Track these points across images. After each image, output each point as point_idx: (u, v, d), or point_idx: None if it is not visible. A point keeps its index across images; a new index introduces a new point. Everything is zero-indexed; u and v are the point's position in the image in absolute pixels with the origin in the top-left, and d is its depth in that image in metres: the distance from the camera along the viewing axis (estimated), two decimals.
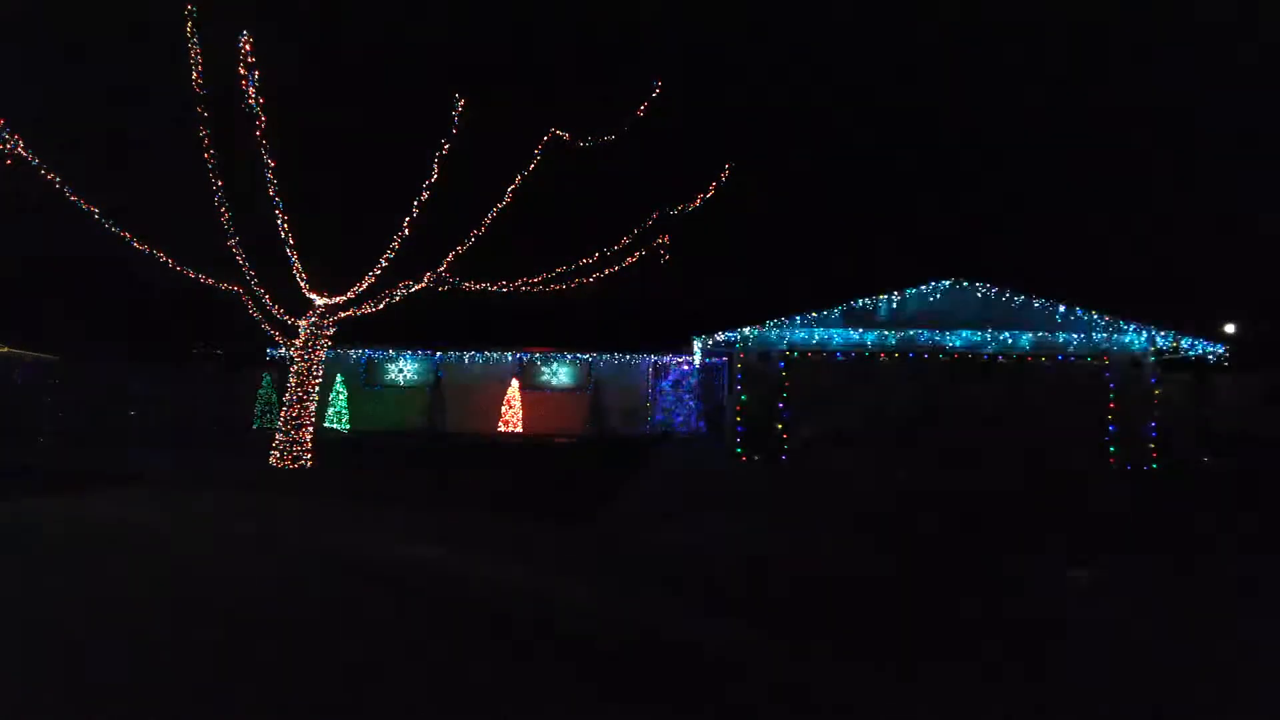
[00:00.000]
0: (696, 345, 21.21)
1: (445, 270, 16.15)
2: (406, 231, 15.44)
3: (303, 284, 15.84)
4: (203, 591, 7.01)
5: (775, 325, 19.43)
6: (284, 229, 15.08)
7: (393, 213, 15.53)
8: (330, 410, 25.44)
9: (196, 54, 14.00)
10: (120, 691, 4.76)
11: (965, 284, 19.37)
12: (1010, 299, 19.22)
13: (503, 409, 26.20)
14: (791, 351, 19.60)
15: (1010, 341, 19.13)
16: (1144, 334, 19.10)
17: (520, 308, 17.87)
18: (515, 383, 26.54)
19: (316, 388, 16.26)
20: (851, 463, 18.41)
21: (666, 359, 27.31)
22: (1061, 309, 19.15)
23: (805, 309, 19.49)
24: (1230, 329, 33.96)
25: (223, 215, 14.86)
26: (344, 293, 16.16)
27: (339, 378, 25.86)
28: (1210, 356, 20.13)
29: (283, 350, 16.71)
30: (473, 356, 27.07)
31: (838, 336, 19.46)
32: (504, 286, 16.84)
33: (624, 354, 26.96)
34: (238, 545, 8.95)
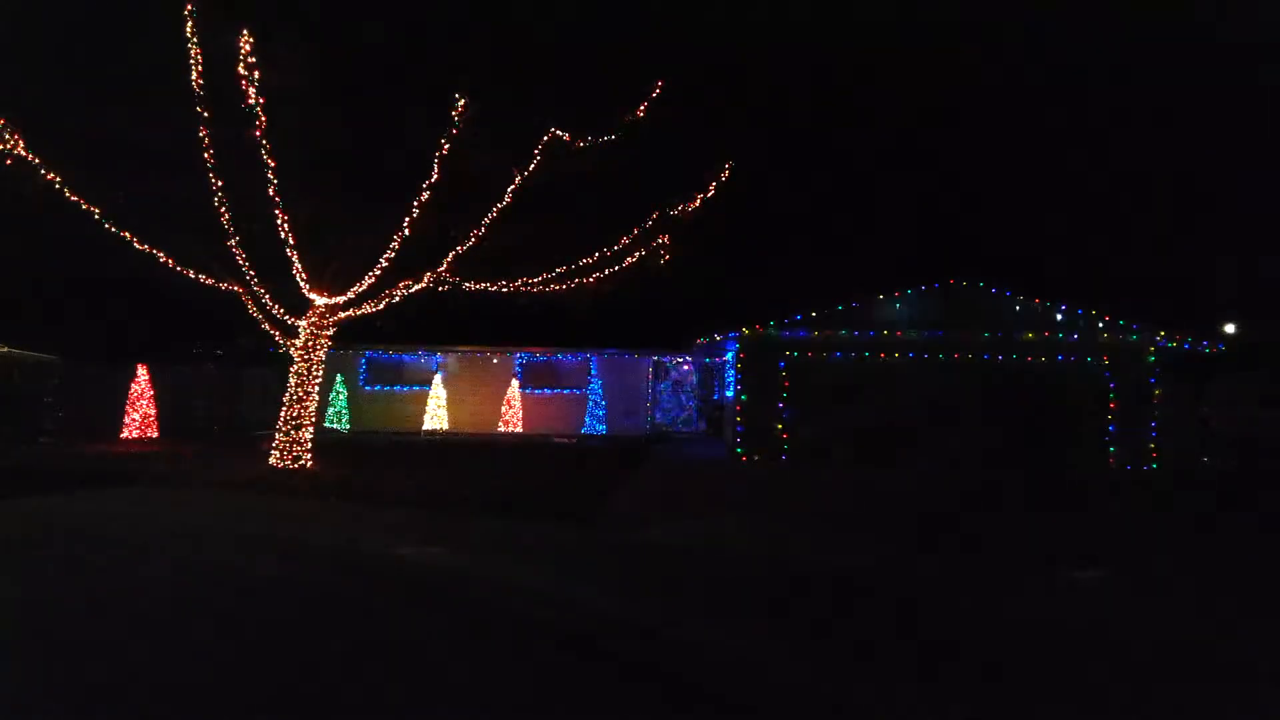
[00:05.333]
0: (696, 345, 21.20)
1: (445, 270, 16.14)
2: (407, 231, 15.42)
3: (303, 284, 15.83)
4: (202, 590, 7.01)
5: (775, 325, 19.43)
6: (284, 229, 15.07)
7: (393, 212, 15.51)
8: (330, 410, 25.43)
9: (197, 54, 13.99)
10: (118, 691, 4.76)
11: (965, 284, 19.37)
12: (1010, 299, 19.22)
13: (503, 409, 26.20)
14: (791, 351, 19.60)
15: (1010, 341, 19.12)
16: (1144, 334, 19.10)
17: (520, 308, 17.81)
18: (515, 383, 26.54)
19: (316, 388, 16.25)
20: (851, 463, 18.41)
21: (666, 358, 27.31)
22: (1062, 309, 19.16)
23: (805, 309, 19.49)
24: (1230, 329, 33.95)
25: (223, 215, 14.86)
26: (344, 293, 16.15)
27: (339, 378, 25.85)
28: (1210, 356, 20.12)
29: (283, 350, 16.70)
30: (473, 356, 27.08)
31: (838, 336, 19.46)
32: (504, 286, 16.82)
33: (624, 354, 26.96)
34: (237, 545, 8.95)
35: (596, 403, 26.28)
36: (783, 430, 19.33)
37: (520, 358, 27.11)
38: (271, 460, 15.67)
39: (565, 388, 27.19)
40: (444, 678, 5.10)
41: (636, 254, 16.90)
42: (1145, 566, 8.84)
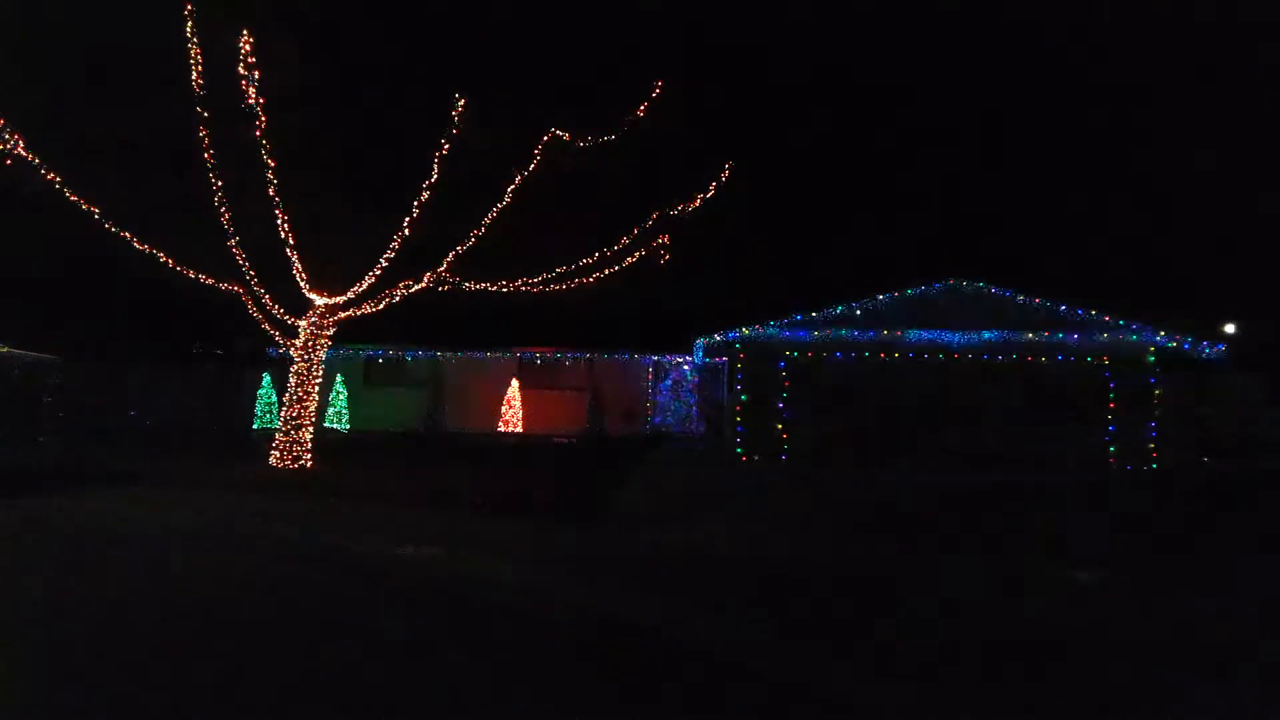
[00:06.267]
0: (697, 345, 21.19)
1: (445, 270, 16.16)
2: (407, 231, 15.45)
3: (303, 284, 15.85)
4: (203, 591, 7.01)
5: (775, 325, 19.42)
6: (284, 229, 15.09)
7: (393, 212, 15.53)
8: (330, 410, 25.43)
9: (196, 54, 14.01)
10: (115, 690, 4.76)
11: (965, 284, 19.36)
12: (1010, 299, 19.21)
13: (503, 409, 26.19)
14: (791, 351, 19.59)
15: (1010, 341, 19.11)
16: (1144, 334, 19.08)
17: (520, 308, 17.85)
18: (515, 383, 26.52)
19: (316, 388, 16.26)
20: (851, 463, 18.40)
21: (666, 359, 27.29)
22: (1061, 309, 19.14)
23: (805, 309, 19.48)
24: (1230, 329, 33.95)
25: (223, 215, 14.88)
26: (344, 293, 16.16)
27: (339, 378, 25.85)
28: (1210, 356, 20.11)
29: (283, 350, 16.70)
30: (473, 356, 27.06)
31: (838, 336, 19.44)
32: (504, 286, 16.84)
33: (624, 354, 26.95)
34: (238, 545, 8.95)
35: (596, 403, 26.27)
36: (783, 430, 19.32)
37: (520, 358, 27.10)
38: (271, 460, 15.67)
39: (565, 388, 27.18)
40: (443, 677, 5.10)
41: (636, 254, 16.91)
42: (1145, 566, 8.83)
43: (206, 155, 14.42)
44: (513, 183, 15.81)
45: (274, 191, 14.70)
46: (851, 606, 7.03)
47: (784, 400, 19.42)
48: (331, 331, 16.58)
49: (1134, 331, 19.09)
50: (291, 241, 15.25)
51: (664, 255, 17.03)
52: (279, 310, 16.30)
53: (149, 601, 6.64)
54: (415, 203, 15.34)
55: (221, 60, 14.04)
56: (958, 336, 19.15)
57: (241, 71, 13.94)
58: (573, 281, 16.91)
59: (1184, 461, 19.38)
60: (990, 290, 19.28)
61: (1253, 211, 40.99)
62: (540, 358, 27.24)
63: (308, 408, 16.00)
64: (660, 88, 16.42)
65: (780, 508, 12.79)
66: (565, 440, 24.42)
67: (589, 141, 16.03)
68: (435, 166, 15.24)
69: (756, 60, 44.78)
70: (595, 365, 26.81)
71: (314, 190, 15.09)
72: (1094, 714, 4.83)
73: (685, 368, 27.42)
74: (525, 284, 16.83)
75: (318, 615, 6.36)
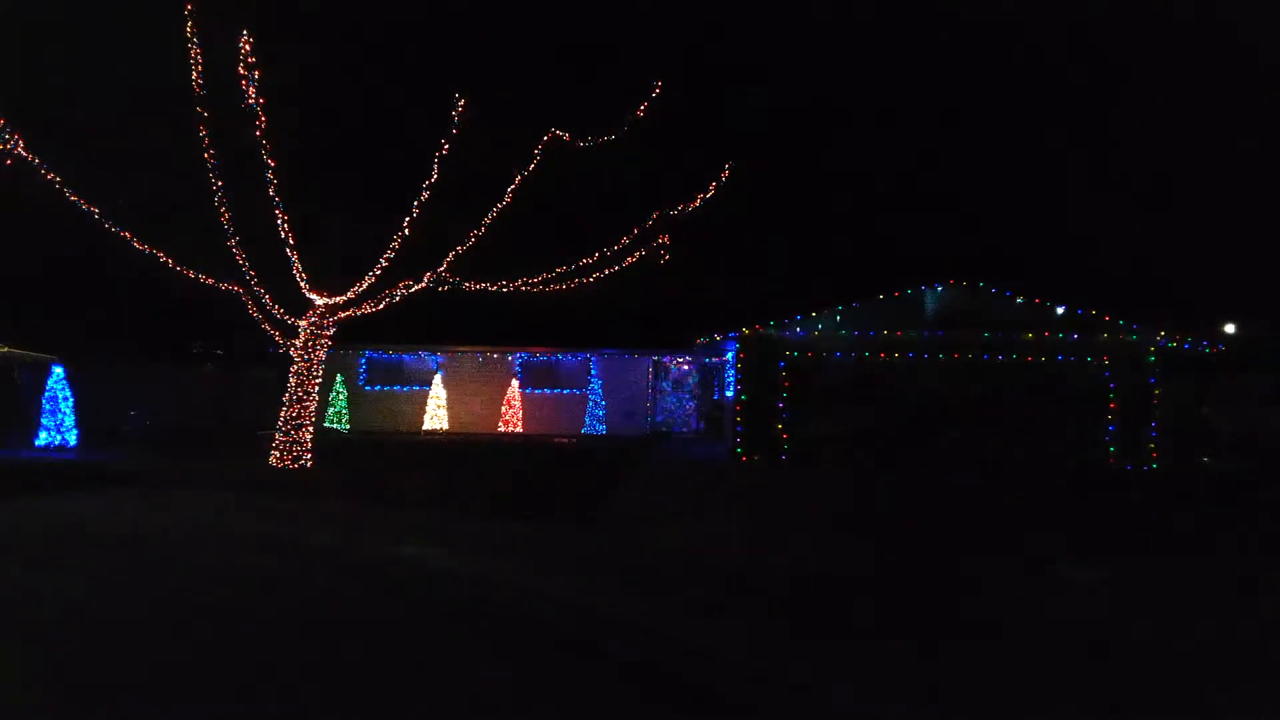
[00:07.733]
0: (697, 345, 21.19)
1: (445, 270, 16.16)
2: (407, 231, 15.46)
3: (303, 284, 15.85)
4: (201, 590, 7.01)
5: (775, 325, 19.41)
6: (284, 229, 15.10)
7: (393, 212, 15.56)
8: (330, 410, 25.43)
9: (196, 54, 14.01)
10: (116, 688, 4.76)
11: (966, 284, 19.36)
12: (1011, 299, 19.21)
13: (503, 409, 26.19)
14: (791, 351, 19.58)
15: (1010, 341, 19.10)
16: (1144, 334, 19.08)
17: (520, 308, 17.86)
18: (515, 383, 26.53)
19: (316, 388, 16.26)
20: (851, 463, 18.40)
21: (666, 359, 27.30)
22: (1061, 309, 19.14)
23: (806, 309, 19.47)
24: (1230, 329, 33.96)
25: (223, 215, 14.88)
26: (344, 292, 16.17)
27: (339, 378, 25.85)
28: (1210, 356, 20.12)
29: (283, 350, 16.70)
30: (473, 356, 27.06)
31: (838, 336, 19.44)
32: (504, 286, 16.84)
33: (624, 354, 26.95)
34: (236, 545, 8.95)
35: (596, 403, 26.27)
36: (783, 430, 19.32)
37: (520, 358, 27.10)
38: (271, 460, 15.67)
39: (565, 388, 27.17)
40: (443, 677, 5.09)
41: (636, 254, 16.93)
42: (1143, 567, 8.83)
43: (206, 155, 14.42)
44: (513, 183, 15.82)
45: (274, 191, 14.70)
46: (852, 608, 7.03)
47: (784, 400, 19.41)
48: (331, 331, 16.59)
49: (1134, 331, 19.08)
50: (291, 241, 15.25)
51: (664, 255, 17.05)
52: (279, 310, 16.31)
53: (145, 601, 6.63)
54: (415, 203, 15.35)
55: (221, 60, 14.05)
56: (959, 337, 19.14)
57: (241, 71, 13.94)
58: (573, 281, 16.92)
59: (1184, 461, 19.38)
60: (990, 290, 19.28)
61: (1253, 211, 41.01)
62: (540, 358, 27.24)
63: (308, 408, 16.00)
64: (660, 87, 16.43)
65: (780, 509, 12.79)
66: (566, 440, 24.42)
67: (589, 141, 16.04)
68: (435, 166, 15.25)
69: (756, 60, 44.78)
70: (595, 365, 26.81)
71: (314, 190, 15.11)
72: (1092, 713, 4.83)
73: (685, 367, 27.42)
74: (525, 284, 16.84)
75: (317, 614, 6.36)
